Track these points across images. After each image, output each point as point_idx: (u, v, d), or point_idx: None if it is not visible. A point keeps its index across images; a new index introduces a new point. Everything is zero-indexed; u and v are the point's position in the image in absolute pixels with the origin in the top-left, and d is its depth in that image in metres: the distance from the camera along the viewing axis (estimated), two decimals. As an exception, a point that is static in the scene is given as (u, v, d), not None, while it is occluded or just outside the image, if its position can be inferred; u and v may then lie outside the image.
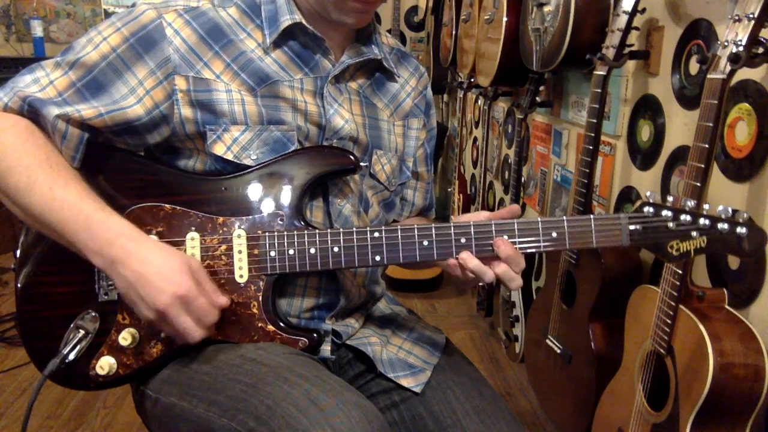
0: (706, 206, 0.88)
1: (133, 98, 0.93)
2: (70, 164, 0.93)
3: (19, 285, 0.96)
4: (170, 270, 0.84)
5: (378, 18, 4.13)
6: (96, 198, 0.88)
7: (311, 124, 1.00)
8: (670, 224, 0.89)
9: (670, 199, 0.90)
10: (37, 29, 3.95)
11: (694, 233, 0.88)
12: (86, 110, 0.92)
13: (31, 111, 0.91)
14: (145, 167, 0.99)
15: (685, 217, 0.88)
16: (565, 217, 0.91)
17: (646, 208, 0.90)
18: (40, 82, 0.93)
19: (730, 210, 0.86)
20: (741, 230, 0.85)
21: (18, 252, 0.98)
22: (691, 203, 0.88)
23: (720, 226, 0.86)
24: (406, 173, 1.16)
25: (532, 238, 0.91)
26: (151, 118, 0.95)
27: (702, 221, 0.87)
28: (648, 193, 0.91)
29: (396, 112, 1.12)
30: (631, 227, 0.90)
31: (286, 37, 0.99)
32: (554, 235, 0.91)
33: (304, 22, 0.98)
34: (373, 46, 1.06)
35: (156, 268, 0.83)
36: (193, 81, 0.95)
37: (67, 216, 0.85)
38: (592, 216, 0.91)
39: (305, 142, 1.01)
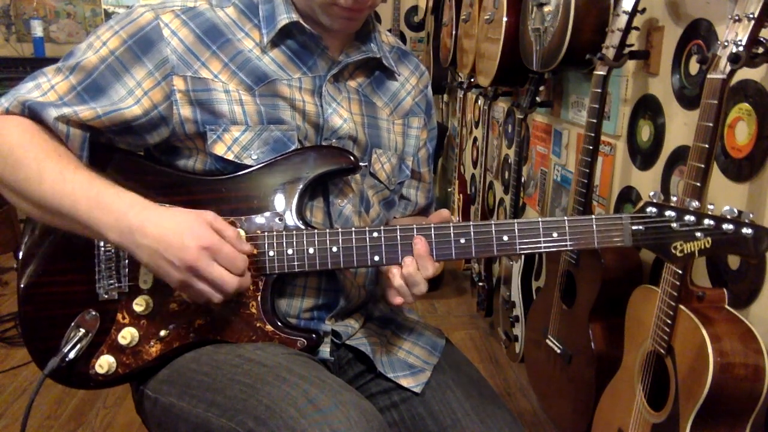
0: (710, 207, 0.87)
1: (131, 99, 0.94)
2: None
3: (21, 284, 0.97)
4: (188, 226, 0.84)
5: (378, 18, 4.13)
6: (105, 179, 0.89)
7: (309, 124, 1.00)
8: (674, 225, 0.88)
9: (673, 199, 0.89)
10: (37, 29, 3.95)
11: (698, 234, 0.86)
12: (84, 112, 0.92)
13: (31, 114, 0.92)
14: (145, 167, 0.99)
15: (689, 218, 0.86)
16: (566, 218, 0.91)
17: (649, 208, 0.89)
18: (42, 87, 0.93)
19: (735, 210, 0.85)
20: (746, 231, 0.84)
21: (20, 252, 0.98)
22: (695, 204, 0.87)
23: (725, 226, 0.85)
24: (406, 172, 1.16)
25: (533, 239, 0.91)
26: (150, 118, 0.95)
27: (707, 222, 0.86)
28: (651, 193, 0.90)
29: (396, 110, 1.12)
30: (634, 227, 0.89)
31: (284, 36, 0.99)
32: (555, 235, 0.90)
33: (301, 21, 0.98)
34: (372, 44, 1.06)
35: (174, 228, 0.84)
36: (192, 81, 0.95)
37: (79, 197, 0.86)
38: (593, 216, 0.91)
39: (305, 141, 1.01)
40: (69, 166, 0.88)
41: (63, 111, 0.91)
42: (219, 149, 0.96)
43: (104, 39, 0.95)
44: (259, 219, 0.96)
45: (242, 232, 0.94)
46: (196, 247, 0.83)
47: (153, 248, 0.83)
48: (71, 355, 0.94)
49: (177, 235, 0.83)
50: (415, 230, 0.92)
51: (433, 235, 0.92)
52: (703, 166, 1.08)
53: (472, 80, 2.68)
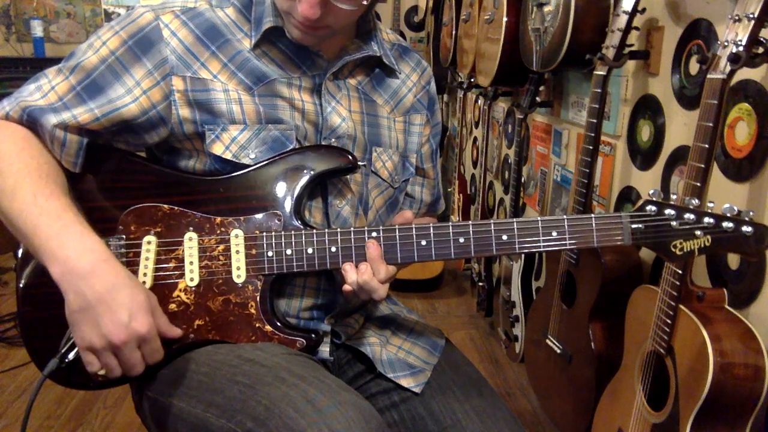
0: (710, 205, 0.87)
1: (129, 98, 0.94)
2: (71, 170, 0.95)
3: (20, 285, 0.96)
4: (137, 305, 0.82)
5: (378, 17, 4.13)
6: (79, 214, 0.87)
7: (308, 123, 1.00)
8: (674, 223, 0.87)
9: (673, 197, 0.89)
10: (37, 29, 3.96)
11: (698, 232, 0.86)
12: (83, 114, 0.92)
13: (30, 121, 0.92)
14: (143, 168, 0.99)
15: (689, 216, 0.86)
16: (565, 216, 0.91)
17: (648, 207, 0.89)
18: (43, 89, 0.94)
19: (735, 208, 0.85)
20: (746, 229, 0.84)
21: (19, 252, 0.98)
22: (695, 202, 0.87)
23: (725, 224, 0.85)
24: (410, 169, 1.15)
25: (532, 238, 0.91)
26: (148, 118, 0.95)
27: (706, 220, 0.86)
28: (651, 192, 0.90)
29: (397, 108, 1.12)
30: (634, 226, 0.89)
31: (279, 36, 0.99)
32: (554, 234, 0.90)
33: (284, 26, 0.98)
34: (372, 42, 1.06)
35: (122, 299, 0.81)
36: (191, 81, 0.95)
37: (43, 222, 0.83)
38: (593, 215, 0.90)
39: (304, 141, 1.01)
40: (45, 190, 0.86)
41: (62, 116, 0.91)
42: (217, 149, 0.96)
43: (104, 39, 0.95)
44: (258, 219, 0.95)
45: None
46: (133, 331, 0.81)
47: (89, 304, 0.80)
48: (70, 355, 0.94)
49: (121, 308, 0.81)
50: (414, 230, 0.92)
51: (432, 234, 0.92)
52: (703, 166, 1.08)
53: (472, 80, 2.68)
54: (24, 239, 0.87)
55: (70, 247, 0.83)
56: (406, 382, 1.02)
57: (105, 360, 0.84)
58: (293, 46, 1.00)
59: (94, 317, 0.81)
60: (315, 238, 0.93)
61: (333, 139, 1.02)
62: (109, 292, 0.81)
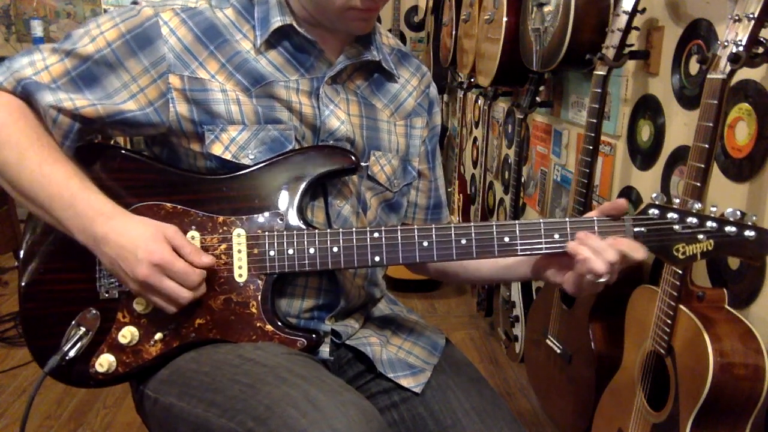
0: (713, 208, 0.87)
1: (125, 93, 0.94)
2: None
3: (22, 282, 0.97)
4: (145, 240, 0.87)
5: (378, 18, 4.13)
6: (83, 177, 0.91)
7: (306, 126, 1.00)
8: (676, 227, 0.87)
9: (676, 200, 0.89)
10: (37, 29, 3.95)
11: (700, 236, 0.86)
12: (79, 100, 0.93)
13: (24, 93, 0.92)
14: (146, 167, 0.99)
15: (692, 220, 0.86)
16: (567, 219, 0.90)
17: (651, 210, 0.88)
18: (36, 65, 0.93)
19: (738, 212, 0.85)
20: (749, 233, 0.84)
21: (22, 250, 0.98)
22: (697, 206, 0.87)
23: (728, 229, 0.84)
24: (412, 173, 1.15)
25: (534, 240, 0.91)
26: (145, 114, 0.95)
27: (709, 224, 0.85)
28: (654, 195, 0.90)
29: (397, 112, 1.12)
30: (636, 229, 0.89)
31: (280, 38, 0.99)
32: (556, 236, 0.90)
33: (294, 24, 0.98)
34: (371, 47, 1.06)
35: (132, 240, 0.87)
36: (188, 80, 0.95)
37: (54, 193, 0.89)
38: (595, 218, 0.90)
39: (303, 141, 1.01)
40: (48, 159, 0.90)
41: (59, 96, 0.91)
42: (216, 149, 0.96)
43: (103, 29, 0.95)
44: (260, 218, 0.96)
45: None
46: (147, 263, 0.86)
47: (112, 258, 0.88)
48: (71, 353, 0.94)
49: (133, 249, 0.87)
50: (416, 231, 0.92)
51: (434, 235, 0.92)
52: (703, 166, 1.08)
53: (472, 80, 2.68)
54: (40, 209, 0.91)
55: (84, 215, 0.88)
56: (406, 382, 1.02)
57: (153, 300, 0.90)
58: (293, 49, 1.00)
59: (121, 268, 0.88)
60: (317, 238, 0.93)
61: (331, 142, 1.02)
62: (121, 241, 0.87)
